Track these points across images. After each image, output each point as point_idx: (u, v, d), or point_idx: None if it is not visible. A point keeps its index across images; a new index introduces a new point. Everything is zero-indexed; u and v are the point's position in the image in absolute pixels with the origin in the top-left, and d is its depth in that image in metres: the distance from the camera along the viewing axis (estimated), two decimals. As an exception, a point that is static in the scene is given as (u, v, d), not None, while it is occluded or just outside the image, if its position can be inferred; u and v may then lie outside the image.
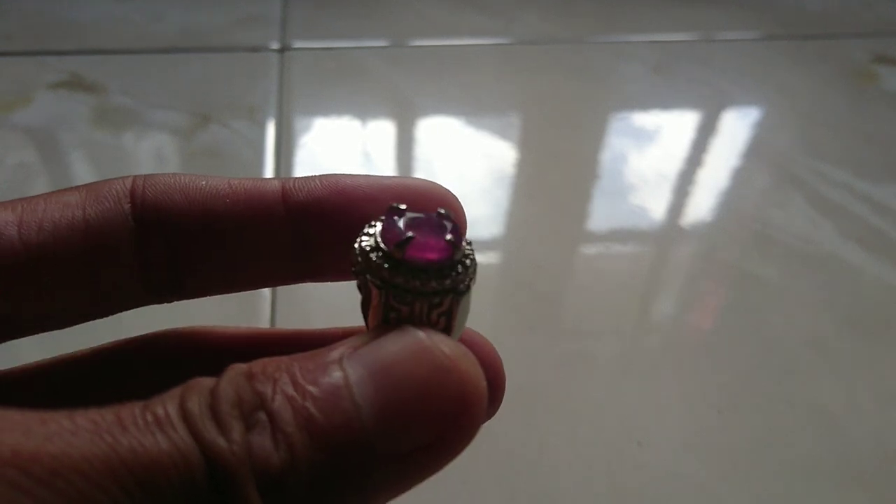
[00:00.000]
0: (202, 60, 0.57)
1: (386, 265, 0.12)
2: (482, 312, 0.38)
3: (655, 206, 0.46)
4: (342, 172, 0.15)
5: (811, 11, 0.70)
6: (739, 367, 0.36)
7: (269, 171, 0.46)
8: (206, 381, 0.10)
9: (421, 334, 0.11)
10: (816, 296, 0.40)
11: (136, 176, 0.15)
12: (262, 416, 0.10)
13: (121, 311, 0.15)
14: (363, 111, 0.53)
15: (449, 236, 0.12)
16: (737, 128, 0.55)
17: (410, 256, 0.12)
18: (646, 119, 0.54)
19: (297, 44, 0.60)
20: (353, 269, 0.13)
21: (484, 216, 0.44)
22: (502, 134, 0.51)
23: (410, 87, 0.56)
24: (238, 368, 0.10)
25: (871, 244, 0.43)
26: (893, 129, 0.54)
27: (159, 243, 0.14)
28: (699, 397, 0.34)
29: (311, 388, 0.10)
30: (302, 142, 0.49)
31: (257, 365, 0.10)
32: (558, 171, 0.49)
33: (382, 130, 0.51)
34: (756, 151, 0.52)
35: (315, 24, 0.63)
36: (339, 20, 0.64)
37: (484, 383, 0.11)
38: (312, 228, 0.15)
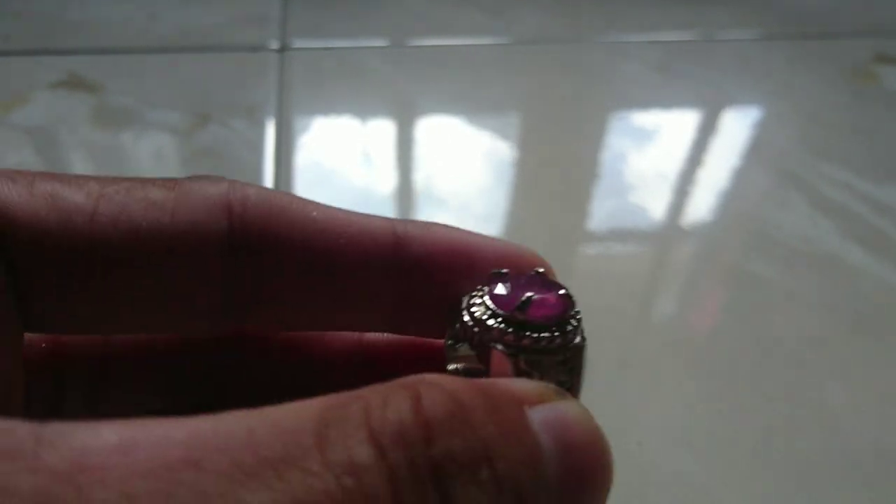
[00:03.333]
0: (202, 60, 0.57)
1: (510, 329, 0.12)
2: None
3: (655, 205, 0.46)
4: (443, 225, 0.14)
5: (811, 11, 0.70)
6: (740, 367, 0.36)
7: (269, 171, 0.46)
8: (399, 408, 0.08)
9: (584, 410, 0.11)
10: (816, 296, 0.40)
11: (232, 183, 0.13)
12: (486, 474, 0.08)
13: (189, 332, 0.14)
14: (363, 111, 0.53)
15: (561, 290, 0.13)
16: (737, 128, 0.55)
17: (533, 316, 0.12)
18: (646, 119, 0.54)
19: (297, 44, 0.60)
20: (464, 341, 0.12)
21: (484, 216, 0.44)
22: (502, 134, 0.51)
23: (410, 87, 0.56)
24: (434, 390, 0.09)
25: (871, 244, 0.43)
26: (894, 128, 0.54)
27: (249, 269, 0.13)
28: (699, 397, 0.34)
29: (518, 449, 0.09)
30: (302, 142, 0.49)
31: (467, 402, 0.09)
32: (558, 171, 0.49)
33: (382, 130, 0.51)
34: (756, 151, 0.52)
35: (315, 24, 0.63)
36: (339, 20, 0.64)
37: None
38: (419, 281, 0.14)
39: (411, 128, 0.52)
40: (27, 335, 0.12)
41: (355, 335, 0.16)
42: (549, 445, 0.10)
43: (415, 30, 0.63)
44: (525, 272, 0.13)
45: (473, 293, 0.13)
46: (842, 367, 0.36)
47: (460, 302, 0.13)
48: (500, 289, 0.13)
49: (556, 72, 0.59)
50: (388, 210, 0.44)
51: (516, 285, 0.13)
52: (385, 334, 0.16)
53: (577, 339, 0.12)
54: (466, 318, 0.13)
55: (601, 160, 0.50)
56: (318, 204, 0.13)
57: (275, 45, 0.59)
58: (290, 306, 0.14)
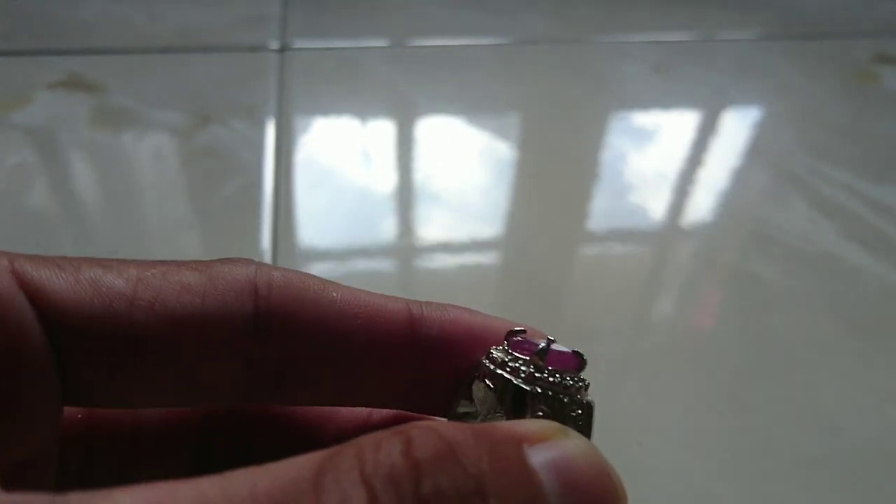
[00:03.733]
0: (202, 60, 0.57)
1: (531, 367, 0.13)
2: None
3: (655, 205, 0.46)
4: (459, 307, 0.15)
5: (811, 11, 0.70)
6: (739, 367, 0.36)
7: (268, 171, 0.46)
8: (390, 452, 0.09)
9: (590, 447, 0.11)
10: (816, 296, 0.40)
11: (259, 266, 0.14)
12: None
13: (213, 405, 0.15)
14: (363, 111, 0.53)
15: (575, 348, 0.14)
16: (737, 128, 0.55)
17: (551, 363, 0.13)
18: (646, 119, 0.54)
19: (297, 44, 0.60)
20: (484, 379, 0.13)
21: (484, 216, 0.44)
22: (502, 134, 0.51)
23: (410, 87, 0.56)
24: (426, 433, 0.09)
25: (871, 244, 0.43)
26: (894, 128, 0.54)
27: (274, 349, 0.13)
28: (699, 397, 0.34)
29: (516, 483, 0.09)
30: (302, 142, 0.49)
31: (451, 432, 0.09)
32: (558, 171, 0.49)
33: (382, 130, 0.51)
34: (756, 151, 0.52)
35: (315, 24, 0.63)
36: (339, 20, 0.64)
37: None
38: (433, 361, 0.14)
39: (411, 128, 0.52)
40: (66, 408, 0.13)
41: (365, 411, 0.16)
42: (550, 483, 0.10)
43: (415, 30, 0.63)
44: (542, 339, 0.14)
45: (491, 349, 0.14)
46: (842, 367, 0.36)
47: (468, 375, 0.14)
48: (520, 343, 0.14)
49: (555, 72, 0.59)
50: (387, 210, 0.44)
51: (533, 342, 0.14)
52: (394, 410, 0.16)
53: (589, 398, 0.13)
54: (486, 361, 0.13)
55: (601, 160, 0.50)
56: (338, 285, 0.14)
57: (275, 45, 0.59)
58: (309, 384, 0.14)
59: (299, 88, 0.54)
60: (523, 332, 0.14)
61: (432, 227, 0.43)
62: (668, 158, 0.50)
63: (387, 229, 0.43)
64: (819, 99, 0.58)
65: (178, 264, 0.13)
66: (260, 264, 0.14)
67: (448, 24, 0.64)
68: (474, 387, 0.14)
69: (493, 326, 0.15)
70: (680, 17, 0.68)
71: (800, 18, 0.69)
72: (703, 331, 0.38)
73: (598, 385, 0.34)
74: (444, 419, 0.15)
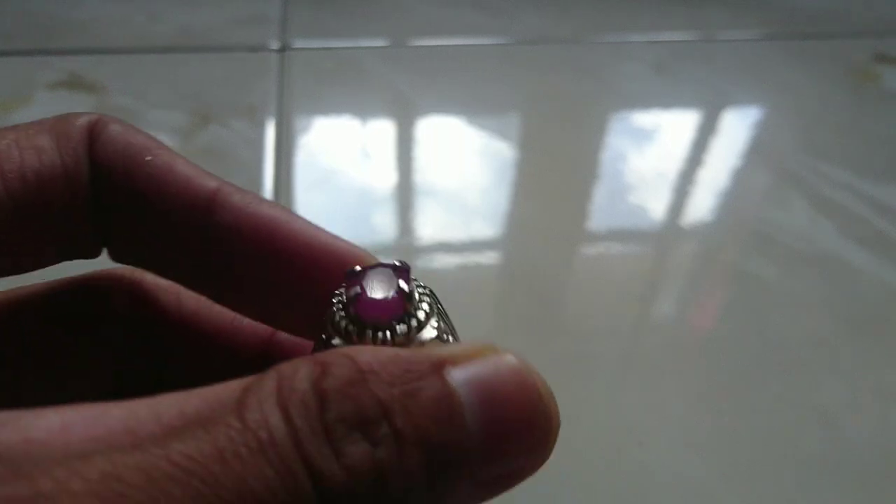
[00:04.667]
0: (202, 60, 0.57)
1: (378, 333, 0.12)
2: (482, 313, 0.38)
3: (655, 205, 0.46)
4: (281, 209, 0.14)
5: (811, 11, 0.70)
6: (740, 367, 0.36)
7: (269, 171, 0.46)
8: (302, 379, 0.09)
9: (517, 361, 0.11)
10: (816, 296, 0.40)
11: (99, 117, 0.14)
12: (386, 430, 0.09)
13: (75, 259, 0.15)
14: (363, 111, 0.53)
15: (399, 287, 0.12)
16: (737, 128, 0.55)
17: (375, 313, 0.12)
18: (646, 119, 0.54)
19: (297, 44, 0.60)
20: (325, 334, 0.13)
21: (484, 216, 0.44)
22: (502, 134, 0.51)
23: (410, 87, 0.56)
24: (342, 361, 0.10)
25: (871, 244, 0.43)
26: (894, 128, 0.54)
27: (100, 198, 0.14)
28: (699, 397, 0.34)
29: (426, 402, 0.10)
30: (302, 142, 0.49)
31: (366, 359, 0.10)
32: (558, 171, 0.49)
33: (382, 130, 0.51)
34: (756, 151, 0.52)
35: (315, 24, 0.63)
36: (339, 20, 0.64)
37: (559, 415, 0.11)
38: (230, 251, 0.14)
39: (411, 128, 0.52)
40: None
41: (267, 331, 0.16)
42: (469, 399, 0.10)
43: (415, 30, 0.63)
44: (352, 273, 0.13)
45: (336, 319, 0.13)
46: (842, 367, 0.36)
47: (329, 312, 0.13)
48: (366, 302, 0.12)
49: (555, 72, 0.59)
50: (387, 210, 0.44)
51: (372, 288, 0.13)
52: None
53: (414, 336, 0.12)
54: (336, 339, 0.13)
55: (601, 160, 0.50)
56: (165, 150, 0.14)
57: (275, 45, 0.59)
58: (137, 247, 0.15)
59: (299, 88, 0.54)
60: (358, 271, 0.13)
61: (432, 226, 0.43)
62: (668, 158, 0.50)
63: (387, 229, 0.43)
64: (819, 99, 0.58)
65: (26, 127, 0.13)
66: (102, 116, 0.14)
67: (448, 24, 0.64)
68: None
69: (300, 231, 0.14)
70: (680, 17, 0.68)
71: (800, 18, 0.69)
72: (702, 331, 0.38)
73: (599, 385, 0.34)
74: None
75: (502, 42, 0.63)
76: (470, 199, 0.45)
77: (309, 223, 0.14)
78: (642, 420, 0.33)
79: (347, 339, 0.12)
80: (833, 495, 0.30)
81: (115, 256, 0.15)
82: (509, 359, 0.11)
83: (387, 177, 0.47)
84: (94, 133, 0.14)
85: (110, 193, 0.14)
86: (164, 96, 0.52)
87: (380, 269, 0.13)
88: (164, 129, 0.49)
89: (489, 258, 0.42)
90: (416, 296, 0.13)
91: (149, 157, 0.14)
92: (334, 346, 0.12)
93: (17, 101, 0.51)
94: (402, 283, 0.12)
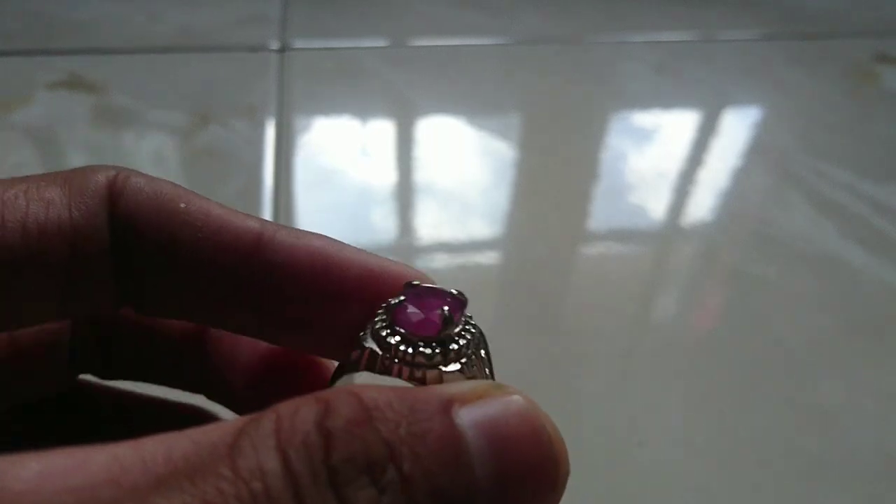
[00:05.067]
0: (202, 60, 0.57)
1: (420, 349, 0.12)
2: (482, 313, 0.38)
3: (655, 205, 0.46)
4: (327, 238, 0.14)
5: (812, 11, 0.70)
6: (740, 367, 0.36)
7: (268, 171, 0.46)
8: (305, 419, 0.09)
9: (525, 402, 0.10)
10: (816, 296, 0.40)
11: (118, 171, 0.13)
12: (393, 474, 0.09)
13: (84, 315, 0.14)
14: (363, 111, 0.53)
15: (449, 296, 0.12)
16: (737, 128, 0.55)
17: (398, 323, 0.12)
18: (646, 119, 0.54)
19: (297, 44, 0.60)
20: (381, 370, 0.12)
21: (484, 216, 0.44)
22: (502, 134, 0.51)
23: (410, 87, 0.56)
24: (346, 398, 0.09)
25: (871, 244, 0.43)
26: (894, 128, 0.54)
27: (128, 253, 0.13)
28: (699, 397, 0.34)
29: (434, 445, 0.09)
30: (302, 142, 0.49)
31: (371, 396, 0.09)
32: (558, 171, 0.49)
33: (382, 130, 0.51)
34: (756, 151, 0.52)
35: (315, 24, 0.63)
36: (339, 20, 0.64)
37: (568, 459, 0.10)
38: (282, 289, 0.13)
39: (411, 128, 0.52)
40: None
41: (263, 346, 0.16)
42: (477, 443, 0.09)
43: (415, 30, 0.63)
44: (408, 290, 0.13)
45: (377, 328, 0.13)
46: (842, 367, 0.36)
47: (363, 341, 0.13)
48: (407, 316, 0.12)
49: (556, 72, 0.59)
50: (387, 210, 0.44)
51: (415, 307, 0.13)
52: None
53: (467, 340, 0.12)
54: (393, 359, 0.12)
55: (601, 160, 0.50)
56: (196, 196, 0.14)
57: (275, 45, 0.59)
58: (166, 298, 0.14)
59: (299, 88, 0.54)
60: (415, 285, 0.13)
61: (432, 226, 0.43)
62: (669, 158, 0.50)
63: (387, 229, 0.43)
64: (819, 99, 0.58)
65: (38, 178, 0.13)
66: (121, 169, 0.13)
67: (448, 24, 0.64)
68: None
69: (352, 259, 0.14)
70: (681, 17, 0.68)
71: (800, 18, 0.69)
72: (703, 331, 0.38)
73: (599, 385, 0.34)
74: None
75: (502, 42, 0.63)
76: (470, 198, 0.45)
77: (359, 250, 0.14)
78: (642, 420, 0.33)
79: (378, 341, 0.12)
80: (833, 495, 0.30)
81: (142, 310, 0.14)
82: (517, 400, 0.10)
83: (387, 177, 0.47)
84: (115, 187, 0.13)
85: (140, 246, 0.13)
86: (164, 96, 0.52)
87: (436, 291, 0.13)
88: (164, 129, 0.49)
89: (489, 258, 0.42)
90: (457, 328, 0.12)
91: (183, 205, 0.13)
92: (364, 348, 0.12)
93: (17, 101, 0.51)
94: (446, 310, 0.12)
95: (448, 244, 0.42)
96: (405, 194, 0.45)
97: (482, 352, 0.13)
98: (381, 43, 0.61)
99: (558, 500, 0.10)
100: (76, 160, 0.46)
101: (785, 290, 0.40)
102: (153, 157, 0.47)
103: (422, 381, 0.12)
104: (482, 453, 0.09)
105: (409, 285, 0.13)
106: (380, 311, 0.13)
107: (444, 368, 0.12)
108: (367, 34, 0.62)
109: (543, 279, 0.40)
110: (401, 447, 0.09)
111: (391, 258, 0.15)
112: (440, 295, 0.13)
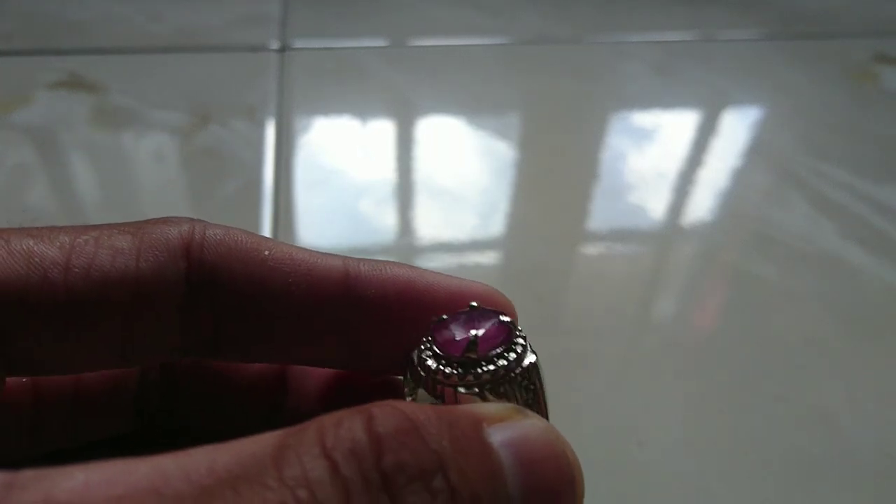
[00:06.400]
0: (202, 60, 0.57)
1: (467, 371, 0.13)
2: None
3: (655, 205, 0.46)
4: (407, 266, 0.14)
5: (811, 11, 0.70)
6: (740, 367, 0.36)
7: (268, 171, 0.46)
8: (352, 427, 0.09)
9: (547, 427, 0.11)
10: (816, 296, 0.40)
11: (193, 223, 0.14)
12: (441, 483, 0.09)
13: (149, 364, 0.15)
14: (363, 111, 0.53)
15: (501, 318, 0.13)
16: (737, 128, 0.55)
17: (483, 351, 0.13)
18: (646, 119, 0.54)
19: (297, 44, 0.60)
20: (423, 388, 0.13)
21: (484, 216, 0.44)
22: (502, 134, 0.51)
23: (410, 87, 0.56)
24: (389, 410, 0.09)
25: (871, 244, 0.43)
26: (894, 128, 0.54)
27: (207, 306, 0.13)
28: (699, 397, 0.34)
29: (474, 459, 0.09)
30: (302, 142, 0.49)
31: (412, 409, 0.09)
32: (558, 171, 0.49)
33: (382, 130, 0.51)
34: (756, 151, 0.52)
35: (315, 24, 0.63)
36: (339, 20, 0.64)
37: (583, 481, 0.11)
38: (373, 319, 0.14)
39: (411, 128, 0.52)
40: (8, 379, 0.13)
41: (326, 372, 0.16)
42: (509, 461, 0.10)
43: (415, 30, 0.63)
44: (463, 310, 0.14)
45: (422, 346, 0.13)
46: (842, 367, 0.36)
47: (412, 355, 0.14)
48: (445, 335, 0.13)
49: (555, 72, 0.59)
50: (388, 210, 0.44)
51: (459, 327, 0.13)
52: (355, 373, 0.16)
53: (530, 358, 0.13)
54: (422, 372, 0.13)
55: (601, 160, 0.50)
56: (274, 242, 0.14)
57: (275, 45, 0.59)
58: (247, 343, 0.14)
59: (299, 88, 0.54)
60: (445, 320, 0.13)
61: (432, 226, 0.43)
62: (668, 158, 0.50)
63: (387, 229, 0.43)
64: (819, 99, 0.58)
65: (111, 227, 0.13)
66: (196, 221, 0.14)
67: (448, 24, 0.64)
68: (419, 391, 0.13)
69: (436, 283, 0.14)
70: (680, 17, 0.68)
71: (800, 18, 0.69)
72: (703, 331, 0.38)
73: (599, 385, 0.34)
74: (399, 376, 0.15)
75: (502, 42, 0.63)
76: (470, 198, 0.45)
77: (439, 273, 0.15)
78: (642, 420, 0.33)
79: (416, 356, 0.13)
80: (833, 495, 0.30)
81: (218, 357, 0.14)
82: (538, 424, 0.11)
83: (387, 177, 0.47)
84: (194, 240, 0.13)
85: (224, 296, 0.13)
86: (164, 96, 0.52)
87: (487, 314, 0.13)
88: (164, 129, 0.49)
89: (489, 258, 0.42)
90: (497, 350, 0.13)
91: (267, 252, 0.14)
92: (417, 395, 0.13)
93: (17, 101, 0.51)
94: (474, 334, 0.13)
95: (448, 244, 0.42)
96: (405, 194, 0.45)
97: (522, 378, 0.13)
98: (381, 43, 0.61)
99: None
100: (76, 160, 0.46)
101: (785, 290, 0.40)
102: (153, 156, 0.47)
103: (440, 397, 0.13)
104: (513, 471, 0.10)
105: (470, 306, 0.14)
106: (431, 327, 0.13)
107: (461, 390, 0.12)
108: (367, 34, 0.62)
109: (543, 279, 0.40)
110: (447, 459, 0.09)
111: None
112: (490, 317, 0.13)
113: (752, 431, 0.33)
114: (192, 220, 0.14)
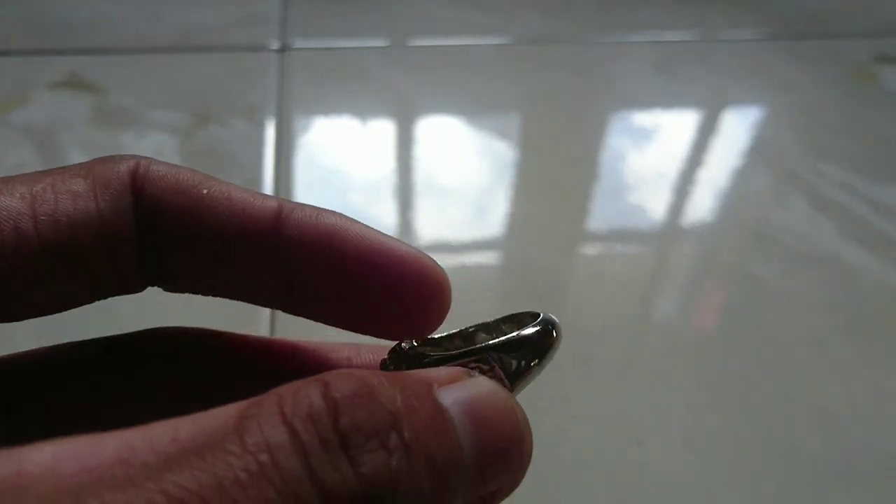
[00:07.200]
0: (202, 60, 0.57)
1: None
2: (482, 313, 0.38)
3: (656, 205, 0.46)
4: (342, 216, 0.15)
5: (811, 11, 0.70)
6: (740, 367, 0.36)
7: (268, 171, 0.46)
8: (308, 394, 0.09)
9: (496, 387, 0.12)
10: (816, 296, 0.40)
11: (138, 160, 0.14)
12: (396, 441, 0.09)
13: (112, 297, 0.15)
14: (363, 111, 0.53)
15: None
16: (737, 128, 0.55)
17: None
18: (646, 119, 0.54)
19: (297, 44, 0.60)
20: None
21: (484, 216, 0.44)
22: (502, 134, 0.51)
23: (410, 87, 0.56)
24: (344, 377, 0.10)
25: (871, 244, 0.43)
26: (894, 128, 0.54)
27: (154, 237, 0.14)
28: (699, 397, 0.34)
29: (426, 418, 0.10)
30: (302, 142, 0.49)
31: (366, 374, 0.10)
32: (558, 171, 0.49)
33: (382, 130, 0.51)
34: (756, 151, 0.52)
35: (315, 24, 0.63)
36: (339, 20, 0.64)
37: (532, 438, 0.12)
38: (301, 264, 0.14)
39: (411, 127, 0.52)
40: None
41: (245, 337, 0.17)
42: (460, 419, 0.11)
43: (415, 30, 0.63)
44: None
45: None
46: (841, 367, 0.36)
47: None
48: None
49: (556, 72, 0.59)
50: (388, 210, 0.44)
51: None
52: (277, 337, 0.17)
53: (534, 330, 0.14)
54: (397, 353, 0.14)
55: (601, 160, 0.50)
56: (217, 182, 0.14)
57: (275, 45, 0.59)
58: (194, 277, 0.15)
59: (299, 88, 0.54)
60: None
61: (432, 226, 0.43)
62: (668, 158, 0.50)
63: (387, 229, 0.42)
64: (819, 99, 0.58)
65: (62, 171, 0.13)
66: (141, 158, 0.14)
67: (448, 24, 0.64)
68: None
69: (366, 236, 0.15)
70: (680, 17, 0.68)
71: (800, 18, 0.69)
72: (703, 331, 0.38)
73: (599, 385, 0.34)
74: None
75: (502, 42, 0.63)
76: (470, 198, 0.45)
77: (369, 228, 0.15)
78: (642, 420, 0.33)
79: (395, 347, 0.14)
80: (833, 495, 0.30)
81: (172, 288, 0.15)
82: (487, 383, 0.11)
83: (387, 177, 0.47)
84: (138, 176, 0.14)
85: (166, 231, 0.14)
86: (164, 96, 0.52)
87: None
88: (164, 128, 0.49)
89: (489, 258, 0.42)
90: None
91: (205, 190, 0.14)
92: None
93: (17, 100, 0.51)
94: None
95: (448, 244, 0.42)
96: (405, 194, 0.45)
97: (497, 357, 0.14)
98: (381, 43, 0.61)
99: (524, 472, 0.12)
100: (76, 160, 0.46)
101: (785, 290, 0.40)
102: (153, 156, 0.47)
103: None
104: (464, 428, 0.11)
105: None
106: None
107: (425, 360, 0.14)
108: (367, 34, 0.62)
109: (543, 279, 0.40)
110: (401, 417, 0.10)
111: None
112: None
113: (752, 431, 0.33)
114: (137, 156, 0.14)
